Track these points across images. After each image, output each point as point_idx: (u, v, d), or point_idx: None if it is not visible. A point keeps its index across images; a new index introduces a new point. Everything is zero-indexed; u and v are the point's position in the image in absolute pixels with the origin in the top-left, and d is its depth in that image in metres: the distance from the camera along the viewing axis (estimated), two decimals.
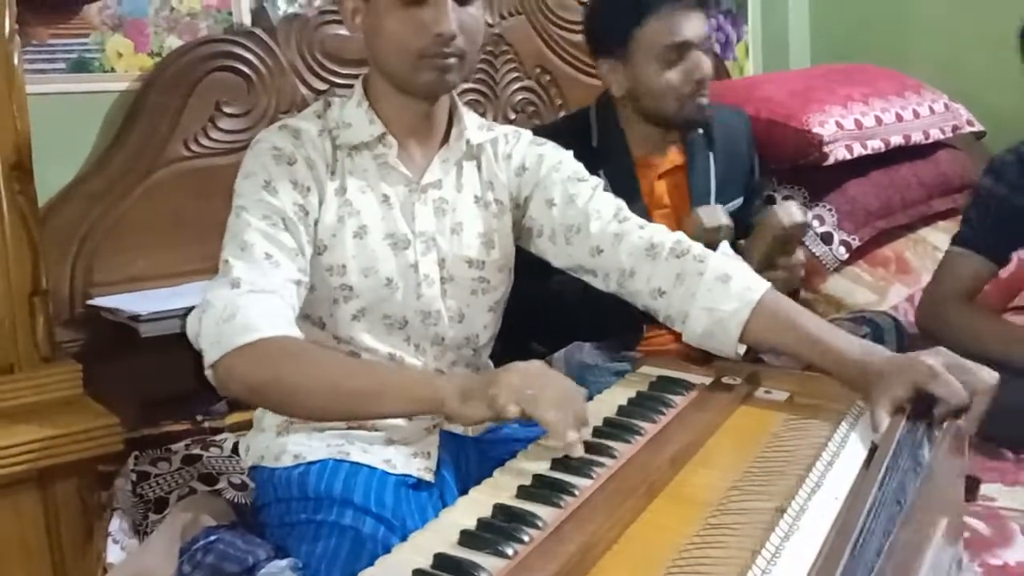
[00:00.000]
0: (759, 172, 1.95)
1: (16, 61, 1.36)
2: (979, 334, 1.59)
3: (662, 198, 1.77)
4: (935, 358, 1.06)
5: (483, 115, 2.13)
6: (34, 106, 1.41)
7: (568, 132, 1.65)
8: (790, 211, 1.59)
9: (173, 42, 1.87)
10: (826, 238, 2.11)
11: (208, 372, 1.08)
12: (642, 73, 1.67)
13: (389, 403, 1.06)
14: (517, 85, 2.29)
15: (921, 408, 1.04)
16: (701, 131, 1.78)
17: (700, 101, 1.68)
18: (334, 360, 1.14)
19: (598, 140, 1.74)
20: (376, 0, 1.19)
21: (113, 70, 1.82)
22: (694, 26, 1.65)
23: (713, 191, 1.79)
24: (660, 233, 1.28)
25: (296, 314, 1.13)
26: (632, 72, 1.68)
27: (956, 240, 1.74)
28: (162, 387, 1.62)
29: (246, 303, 1.07)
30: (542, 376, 1.03)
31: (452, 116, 1.31)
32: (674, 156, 1.79)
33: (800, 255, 1.64)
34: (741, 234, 1.62)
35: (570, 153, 1.38)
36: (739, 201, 1.83)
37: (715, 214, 1.60)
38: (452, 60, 1.18)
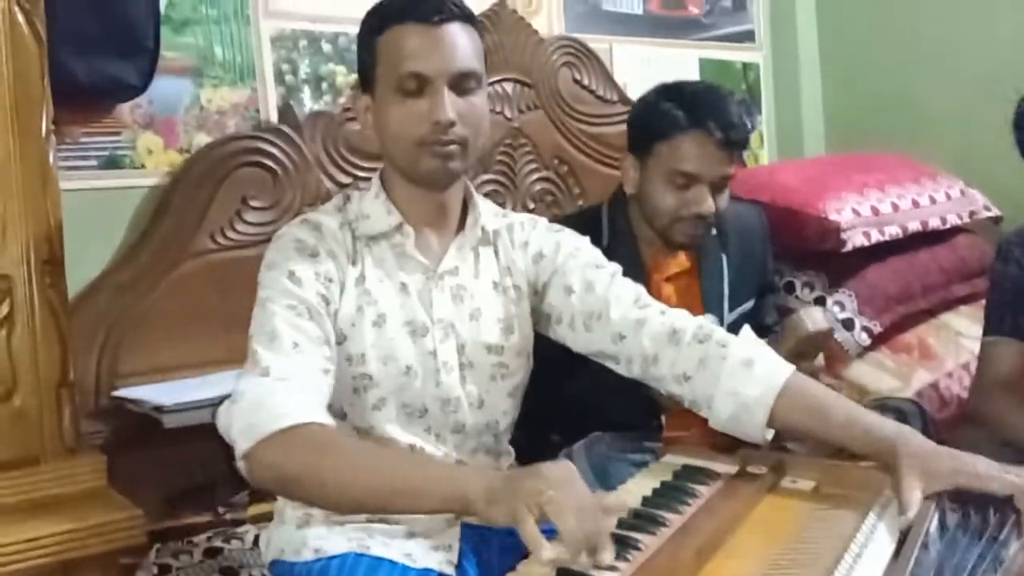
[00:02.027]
0: (771, 272, 1.96)
1: (51, 159, 1.39)
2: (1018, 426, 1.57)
3: (670, 301, 1.73)
4: (977, 458, 1.05)
5: (503, 205, 2.16)
6: (67, 201, 1.43)
7: (579, 228, 1.67)
8: (815, 317, 1.59)
9: (202, 139, 1.92)
10: (847, 324, 2.09)
11: (240, 464, 1.07)
12: (649, 182, 1.69)
13: (417, 502, 1.04)
14: (536, 176, 2.33)
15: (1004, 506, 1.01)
16: (714, 231, 1.77)
17: (693, 231, 1.68)
18: (365, 453, 1.12)
19: (608, 239, 1.73)
20: (380, 96, 1.22)
21: (143, 166, 1.87)
22: (710, 163, 1.65)
23: (726, 294, 1.78)
24: (681, 318, 1.28)
25: (327, 401, 1.13)
26: (645, 176, 1.71)
27: (986, 330, 1.73)
28: (184, 478, 1.62)
29: (276, 391, 1.08)
30: (568, 486, 0.98)
31: (467, 204, 1.33)
32: (683, 259, 1.77)
33: (820, 360, 1.64)
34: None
35: (587, 239, 1.39)
36: (750, 304, 1.83)
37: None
38: (452, 147, 1.20)
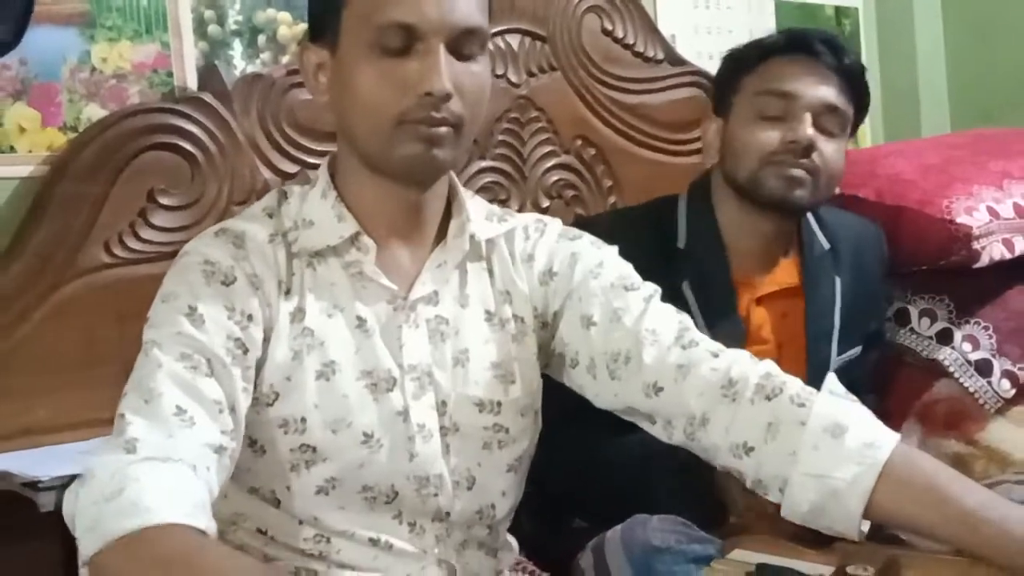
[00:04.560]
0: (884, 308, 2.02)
1: None
2: None
3: (761, 330, 1.79)
4: None
5: (506, 202, 2.17)
6: None
7: (644, 225, 1.68)
8: None
9: (94, 112, 1.93)
10: (983, 368, 2.09)
11: (82, 572, 1.05)
12: (735, 126, 1.80)
13: None
14: (551, 162, 2.34)
15: None
16: (827, 245, 1.85)
17: (792, 172, 1.74)
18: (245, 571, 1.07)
19: (687, 239, 1.79)
20: (346, 50, 1.22)
21: (13, 150, 1.87)
22: (811, 83, 1.77)
23: (837, 327, 1.82)
24: (742, 363, 1.28)
25: (215, 494, 1.11)
26: (728, 129, 1.81)
27: None
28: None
29: (139, 475, 1.05)
30: None
31: (451, 205, 1.33)
32: (784, 275, 1.83)
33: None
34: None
35: (614, 250, 1.39)
36: (858, 350, 1.87)
37: None
38: (444, 129, 1.20)
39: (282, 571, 1.23)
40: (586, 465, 1.57)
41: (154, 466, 1.06)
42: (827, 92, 1.77)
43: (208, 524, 1.06)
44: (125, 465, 1.06)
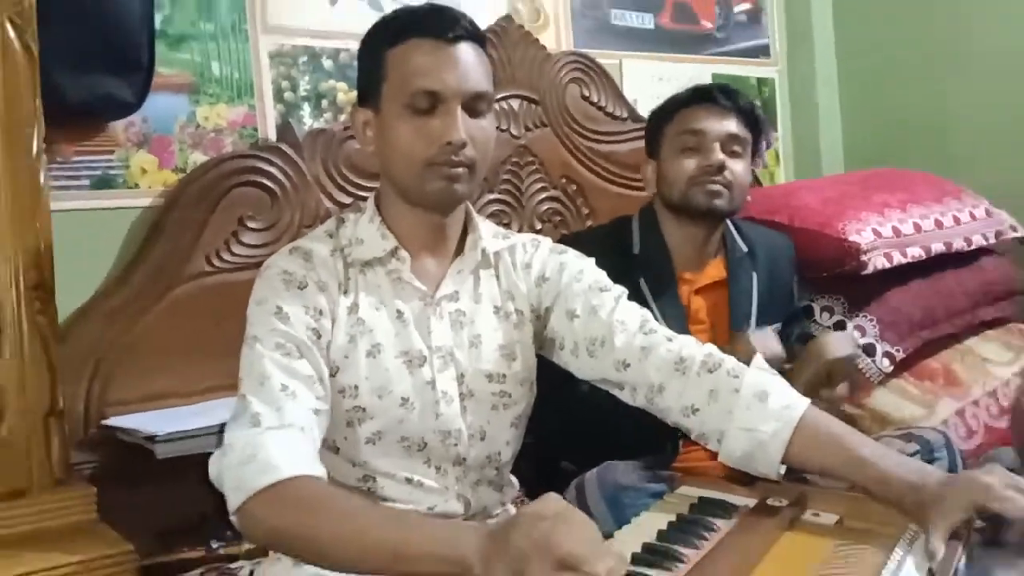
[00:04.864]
0: (798, 299, 2.00)
1: (42, 179, 1.39)
2: None
3: (699, 313, 1.79)
4: (991, 476, 1.04)
5: (508, 225, 2.17)
6: (57, 223, 1.43)
7: (609, 238, 1.69)
8: (839, 343, 1.63)
9: (198, 158, 1.92)
10: (869, 350, 2.08)
11: (233, 518, 1.06)
12: (664, 162, 1.81)
13: (413, 564, 0.99)
14: (543, 195, 2.33)
15: (989, 532, 1.01)
16: (745, 249, 1.85)
17: (710, 187, 1.76)
18: (357, 513, 1.07)
19: (640, 247, 1.81)
20: (386, 111, 1.22)
21: (137, 186, 1.87)
22: (714, 120, 1.78)
23: (754, 312, 1.81)
24: (690, 346, 1.27)
25: (318, 447, 1.13)
26: (660, 165, 1.83)
27: None
28: (177, 511, 1.60)
29: (266, 442, 1.06)
30: (567, 527, 0.92)
31: (467, 226, 1.33)
32: (714, 271, 1.83)
33: (844, 388, 1.67)
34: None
35: (592, 261, 1.39)
36: (778, 326, 1.84)
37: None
38: (461, 170, 1.20)
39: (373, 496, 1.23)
40: (569, 407, 1.55)
41: (275, 434, 1.08)
42: (728, 125, 1.78)
43: (320, 471, 1.08)
44: (254, 436, 1.07)
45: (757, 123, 1.83)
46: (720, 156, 1.76)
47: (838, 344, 1.63)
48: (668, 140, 1.82)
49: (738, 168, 1.78)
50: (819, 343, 1.63)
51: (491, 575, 0.93)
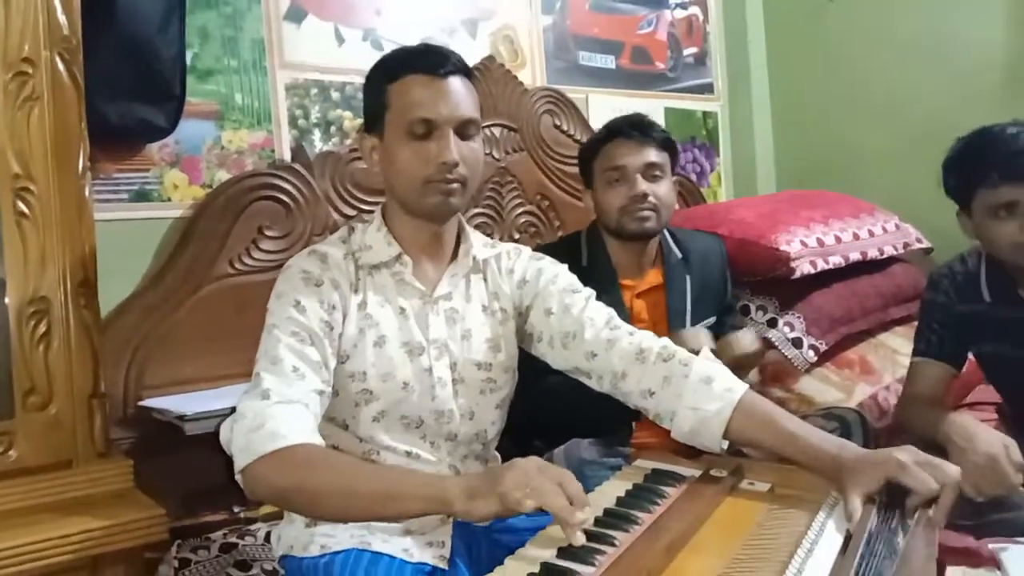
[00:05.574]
0: (731, 293, 1.98)
1: (87, 193, 1.39)
2: (934, 427, 1.56)
3: (640, 314, 1.78)
4: (904, 454, 1.04)
5: (491, 235, 2.15)
6: (100, 231, 1.43)
7: (563, 252, 1.67)
8: (742, 342, 1.63)
9: (223, 175, 1.92)
10: (796, 342, 2.09)
11: (238, 477, 1.06)
12: (598, 193, 1.79)
13: (402, 504, 1.02)
14: (520, 210, 2.33)
15: (895, 500, 1.02)
16: (680, 255, 1.83)
17: (639, 214, 1.73)
18: (351, 466, 1.10)
19: (587, 259, 1.78)
20: (389, 137, 1.22)
21: (170, 199, 1.86)
22: (631, 154, 1.74)
23: (689, 311, 1.80)
24: (648, 339, 1.28)
25: (318, 422, 1.12)
26: (595, 196, 1.80)
27: (914, 351, 1.73)
28: (203, 480, 1.59)
29: (274, 413, 1.06)
30: (541, 469, 0.99)
31: (460, 236, 1.33)
32: (653, 277, 1.81)
33: (754, 375, 1.68)
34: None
35: (565, 267, 1.39)
36: (711, 320, 1.84)
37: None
38: (455, 186, 1.20)
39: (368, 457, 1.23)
40: (542, 394, 1.55)
41: (282, 407, 1.08)
42: (646, 155, 1.74)
43: (320, 441, 1.08)
44: (264, 407, 1.07)
45: (671, 145, 1.80)
46: (642, 187, 1.72)
47: (743, 341, 1.63)
48: (597, 175, 1.78)
49: (661, 191, 1.75)
50: (727, 341, 1.63)
51: (471, 508, 0.96)
